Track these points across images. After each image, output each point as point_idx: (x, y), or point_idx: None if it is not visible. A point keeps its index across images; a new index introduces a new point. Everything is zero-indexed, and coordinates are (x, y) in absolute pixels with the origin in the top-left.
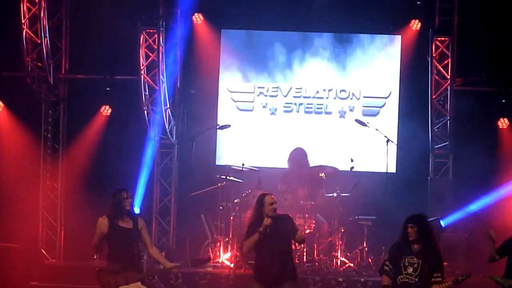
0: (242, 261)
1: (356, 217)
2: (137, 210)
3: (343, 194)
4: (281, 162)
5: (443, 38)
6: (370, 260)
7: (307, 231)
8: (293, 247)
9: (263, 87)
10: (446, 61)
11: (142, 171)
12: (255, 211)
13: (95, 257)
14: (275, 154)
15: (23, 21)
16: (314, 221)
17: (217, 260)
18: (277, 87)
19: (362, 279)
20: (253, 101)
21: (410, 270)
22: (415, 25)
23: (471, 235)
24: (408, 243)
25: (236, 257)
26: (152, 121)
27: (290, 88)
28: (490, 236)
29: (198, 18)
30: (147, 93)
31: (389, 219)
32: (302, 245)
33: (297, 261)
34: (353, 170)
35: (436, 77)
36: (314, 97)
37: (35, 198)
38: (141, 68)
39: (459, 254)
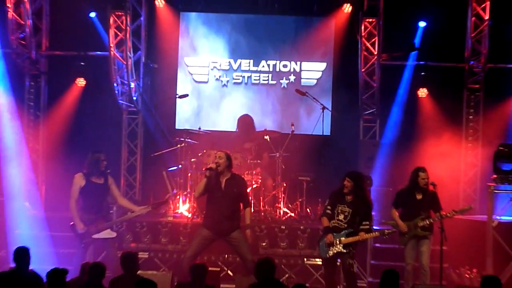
0: (198, 211)
1: (298, 174)
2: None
3: (285, 154)
4: (232, 126)
5: (371, 20)
6: (308, 211)
7: (254, 185)
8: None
9: (216, 62)
10: (373, 39)
11: (111, 135)
12: None
13: (71, 223)
14: (226, 119)
15: (9, 5)
16: (260, 177)
17: (176, 211)
18: (228, 62)
19: (301, 227)
20: (207, 74)
21: (341, 217)
22: (347, 8)
23: (395, 189)
24: (343, 194)
25: (193, 208)
26: (121, 91)
27: (240, 63)
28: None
29: (159, 2)
30: (116, 67)
31: (324, 176)
32: (250, 198)
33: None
34: (294, 133)
35: (365, 53)
36: (260, 71)
37: (20, 158)
38: (111, 45)
39: (385, 205)
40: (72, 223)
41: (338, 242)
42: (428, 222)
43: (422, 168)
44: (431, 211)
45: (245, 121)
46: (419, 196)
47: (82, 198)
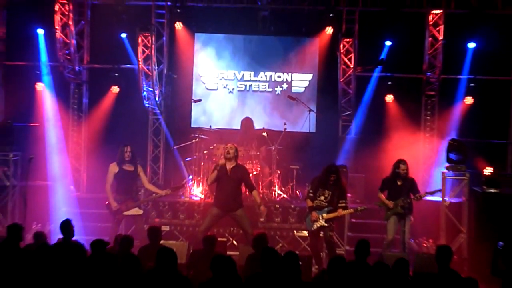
0: (209, 193)
1: (289, 163)
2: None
3: (279, 147)
4: (236, 125)
5: (348, 39)
6: (298, 193)
7: (254, 172)
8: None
9: (224, 73)
10: (350, 55)
11: (140, 132)
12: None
13: (106, 202)
14: (232, 119)
15: (57, 28)
16: (259, 166)
17: (192, 193)
18: (233, 73)
19: (292, 206)
20: (217, 83)
21: (322, 198)
22: (329, 30)
23: (367, 175)
24: (324, 180)
25: (205, 191)
26: (147, 96)
27: (243, 74)
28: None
29: (178, 25)
30: (143, 77)
31: (310, 165)
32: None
33: (248, 194)
34: (286, 130)
35: (343, 66)
36: (259, 81)
37: (66, 150)
38: (139, 60)
39: (359, 188)
40: (107, 202)
41: (321, 218)
42: (406, 202)
43: (402, 160)
44: (410, 194)
45: (247, 122)
46: (399, 183)
47: (115, 182)
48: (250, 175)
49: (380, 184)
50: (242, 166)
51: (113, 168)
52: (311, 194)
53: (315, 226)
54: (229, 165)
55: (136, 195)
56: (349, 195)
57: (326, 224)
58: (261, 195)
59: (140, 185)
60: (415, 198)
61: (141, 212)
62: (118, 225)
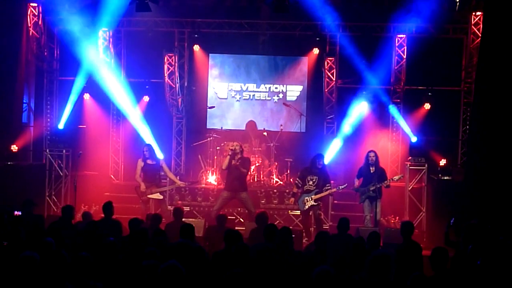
0: (221, 181)
1: (284, 157)
2: (161, 156)
3: (276, 144)
4: (242, 126)
5: (331, 58)
6: (291, 180)
7: (257, 164)
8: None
9: (232, 85)
10: (332, 71)
11: (165, 132)
12: None
13: (136, 186)
14: (239, 122)
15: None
16: (260, 159)
17: (207, 180)
18: (240, 85)
19: (287, 190)
20: (227, 93)
21: (310, 183)
22: (315, 51)
23: (346, 166)
24: (312, 168)
25: (218, 179)
26: (171, 104)
27: (247, 86)
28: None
29: (196, 47)
30: (168, 89)
31: (301, 158)
32: (254, 172)
33: (251, 181)
34: (282, 130)
35: (327, 80)
36: (260, 91)
37: (107, 147)
38: (165, 75)
39: (338, 175)
40: (136, 186)
41: (310, 199)
42: (377, 187)
43: (371, 150)
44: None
45: (251, 124)
46: (372, 170)
47: (142, 173)
48: (253, 166)
49: (357, 172)
50: (246, 158)
51: (140, 163)
52: (297, 182)
53: (306, 206)
54: (237, 157)
55: (160, 182)
56: (332, 181)
57: (315, 203)
58: (262, 182)
59: (164, 175)
60: (385, 186)
61: (161, 197)
62: (145, 204)
